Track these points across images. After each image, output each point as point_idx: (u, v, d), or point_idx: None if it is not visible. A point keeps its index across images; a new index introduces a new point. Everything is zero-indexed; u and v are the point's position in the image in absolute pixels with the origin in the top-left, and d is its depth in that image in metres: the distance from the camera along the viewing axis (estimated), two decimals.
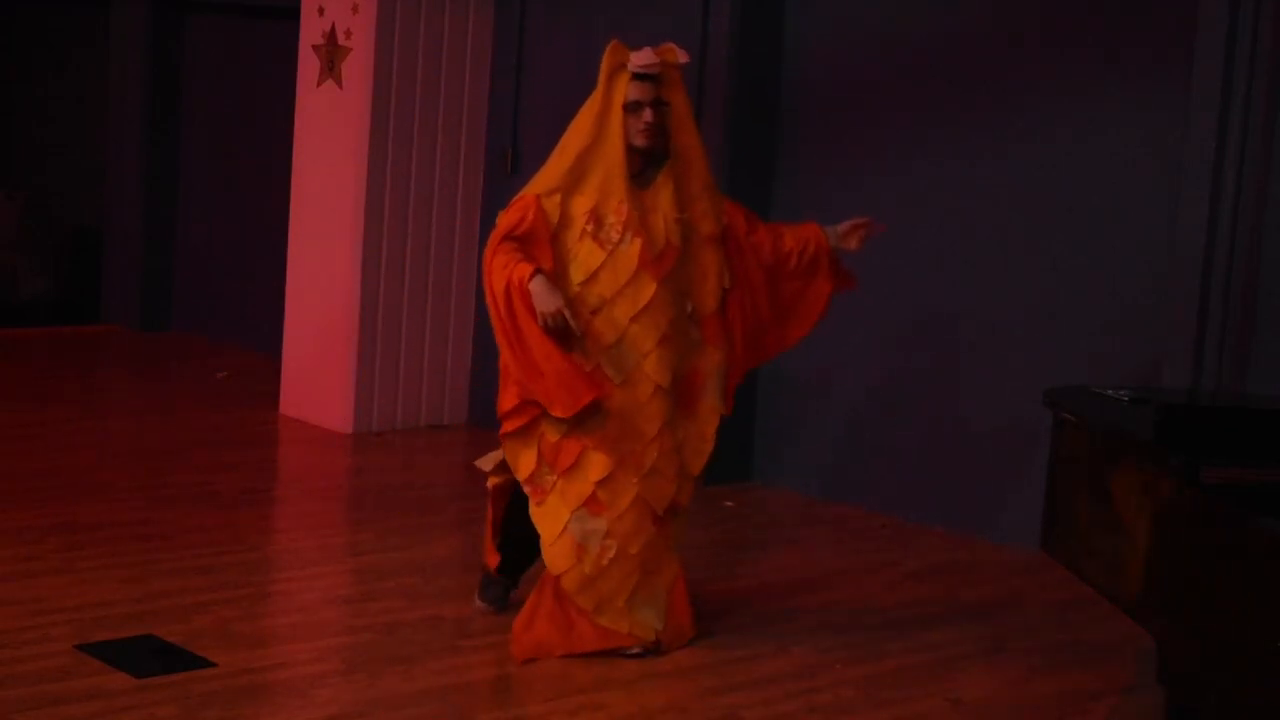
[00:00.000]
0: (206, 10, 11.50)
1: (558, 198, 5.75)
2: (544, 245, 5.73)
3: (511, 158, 9.41)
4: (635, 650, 5.94)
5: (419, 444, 9.26)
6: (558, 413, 5.70)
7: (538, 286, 5.60)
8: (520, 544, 6.13)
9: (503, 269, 5.66)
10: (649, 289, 5.77)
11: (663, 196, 5.85)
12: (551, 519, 5.84)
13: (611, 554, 5.83)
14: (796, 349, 8.42)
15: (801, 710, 5.59)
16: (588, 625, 5.89)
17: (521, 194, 5.83)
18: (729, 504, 8.23)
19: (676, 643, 6.02)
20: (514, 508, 6.09)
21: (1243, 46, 6.81)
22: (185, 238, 11.76)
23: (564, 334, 5.67)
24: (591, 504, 5.81)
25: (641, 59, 5.75)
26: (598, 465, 5.80)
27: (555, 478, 5.82)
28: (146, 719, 5.16)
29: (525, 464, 5.85)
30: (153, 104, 11.62)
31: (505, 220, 5.78)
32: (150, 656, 5.67)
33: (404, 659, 5.82)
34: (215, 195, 11.55)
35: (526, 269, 5.62)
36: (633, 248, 5.74)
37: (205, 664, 5.63)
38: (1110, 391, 5.52)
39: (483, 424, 9.54)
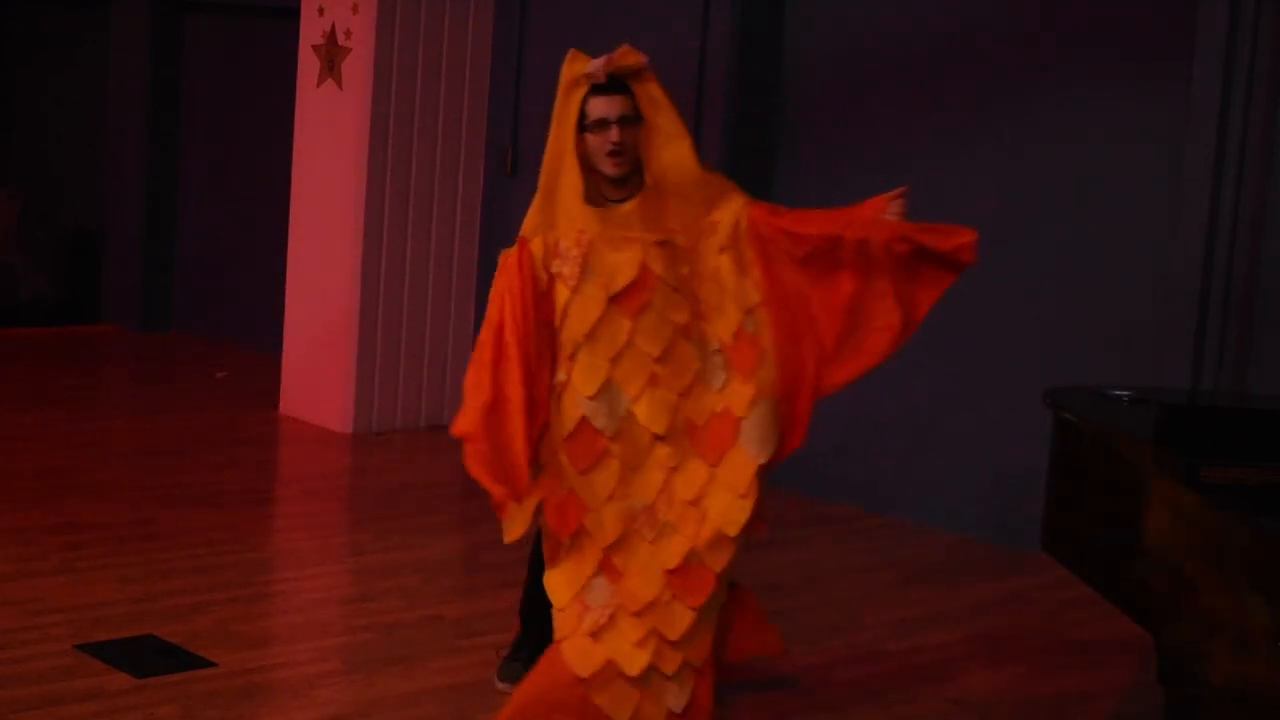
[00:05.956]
0: (206, 10, 11.50)
1: (539, 239, 5.06)
2: (544, 304, 5.05)
3: (511, 158, 9.41)
4: None
5: (419, 444, 9.26)
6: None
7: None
8: (539, 611, 5.31)
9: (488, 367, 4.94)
10: (624, 327, 5.02)
11: (636, 218, 5.06)
12: (564, 584, 5.08)
13: (609, 614, 5.04)
14: None
15: (802, 710, 5.59)
16: (576, 700, 5.01)
17: (518, 239, 5.11)
18: None
19: None
20: (535, 562, 5.38)
21: (1243, 47, 6.81)
22: (185, 238, 11.76)
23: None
24: (608, 570, 5.06)
25: (590, 68, 5.06)
26: (607, 529, 5.05)
27: (567, 542, 5.07)
28: (146, 719, 5.17)
29: (517, 528, 5.05)
30: (153, 104, 11.61)
31: (499, 288, 5.01)
32: (150, 656, 5.67)
33: (404, 659, 5.82)
34: (215, 195, 11.54)
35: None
36: (595, 282, 5.02)
37: (205, 664, 5.63)
38: (1110, 391, 5.52)
39: None
